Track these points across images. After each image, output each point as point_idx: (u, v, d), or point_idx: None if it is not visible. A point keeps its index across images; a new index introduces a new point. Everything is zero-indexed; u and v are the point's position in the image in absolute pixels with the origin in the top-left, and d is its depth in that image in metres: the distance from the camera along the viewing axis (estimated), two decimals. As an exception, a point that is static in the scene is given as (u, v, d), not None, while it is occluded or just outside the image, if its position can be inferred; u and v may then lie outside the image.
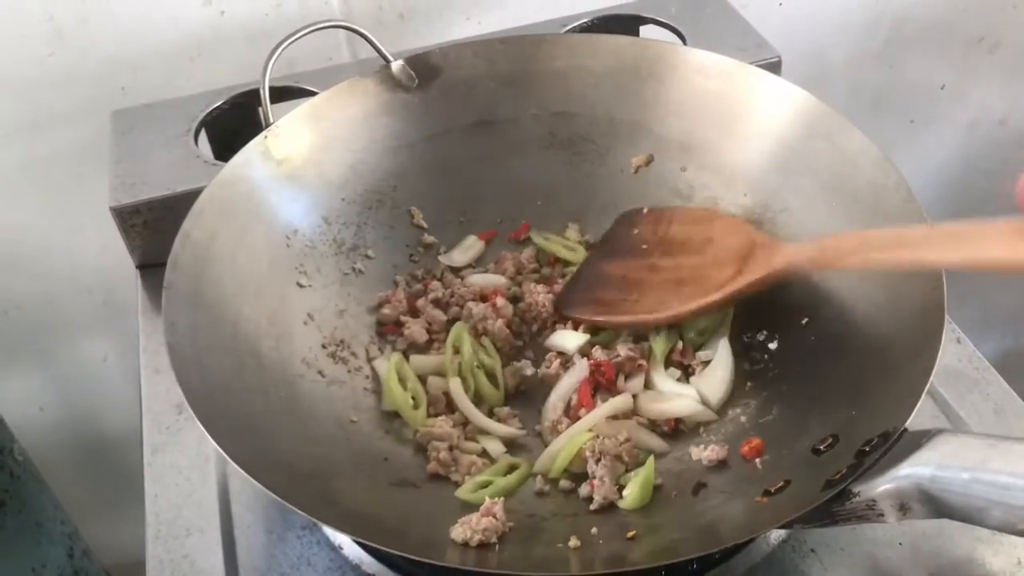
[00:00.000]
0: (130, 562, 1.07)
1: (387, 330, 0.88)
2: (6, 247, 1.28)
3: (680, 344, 0.83)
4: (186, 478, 0.83)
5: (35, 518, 1.21)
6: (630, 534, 0.67)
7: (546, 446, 0.78)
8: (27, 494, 1.21)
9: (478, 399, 0.83)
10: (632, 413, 0.80)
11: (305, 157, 0.88)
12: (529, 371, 0.84)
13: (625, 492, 0.72)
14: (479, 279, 0.92)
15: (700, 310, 0.81)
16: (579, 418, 0.78)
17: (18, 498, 1.19)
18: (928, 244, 0.65)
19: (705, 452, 0.75)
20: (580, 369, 0.81)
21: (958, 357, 0.88)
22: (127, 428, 1.49)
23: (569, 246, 0.94)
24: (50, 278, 1.33)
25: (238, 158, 0.84)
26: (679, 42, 1.11)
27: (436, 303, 0.89)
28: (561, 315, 0.88)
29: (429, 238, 0.94)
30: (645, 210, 0.92)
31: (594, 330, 0.85)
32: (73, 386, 1.46)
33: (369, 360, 0.85)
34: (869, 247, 0.69)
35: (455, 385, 0.82)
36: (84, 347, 1.42)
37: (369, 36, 0.91)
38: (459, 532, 0.67)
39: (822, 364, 0.76)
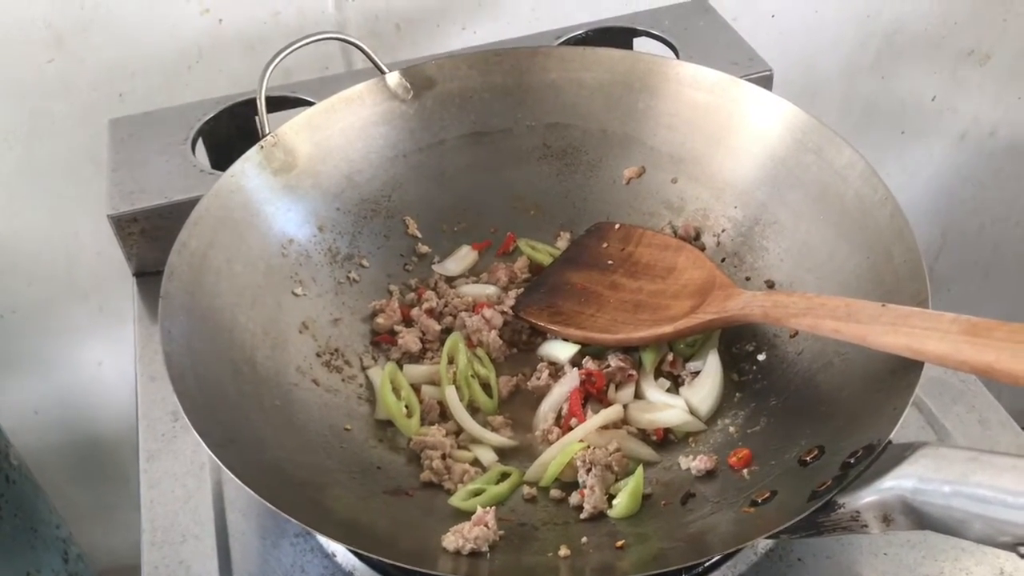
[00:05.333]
0: (125, 567, 1.08)
1: (381, 339, 0.89)
2: (3, 252, 1.29)
3: (670, 355, 0.84)
4: (181, 485, 0.84)
5: (30, 523, 1.22)
6: (619, 543, 0.68)
7: (537, 455, 0.79)
8: (22, 499, 1.22)
9: (472, 408, 0.83)
10: (622, 423, 0.81)
11: (301, 167, 0.89)
12: (521, 380, 0.86)
13: (615, 501, 0.73)
14: (472, 289, 0.93)
15: (650, 339, 0.83)
16: (570, 427, 0.79)
17: (13, 503, 1.20)
18: (876, 324, 0.66)
19: (694, 462, 0.76)
20: (571, 379, 0.82)
21: (943, 369, 0.89)
22: (122, 433, 1.51)
23: (556, 255, 0.95)
24: (47, 283, 1.33)
25: (235, 168, 0.85)
26: (672, 55, 1.12)
27: (430, 313, 0.90)
28: (515, 315, 0.89)
29: (423, 248, 0.95)
30: (617, 225, 0.93)
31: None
32: (69, 391, 1.47)
33: (363, 369, 0.86)
34: (821, 313, 0.70)
35: (451, 394, 0.82)
36: (80, 353, 1.43)
37: (365, 48, 0.92)
38: (451, 541, 0.67)
39: (809, 376, 0.77)
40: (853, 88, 1.56)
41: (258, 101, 0.86)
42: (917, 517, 0.58)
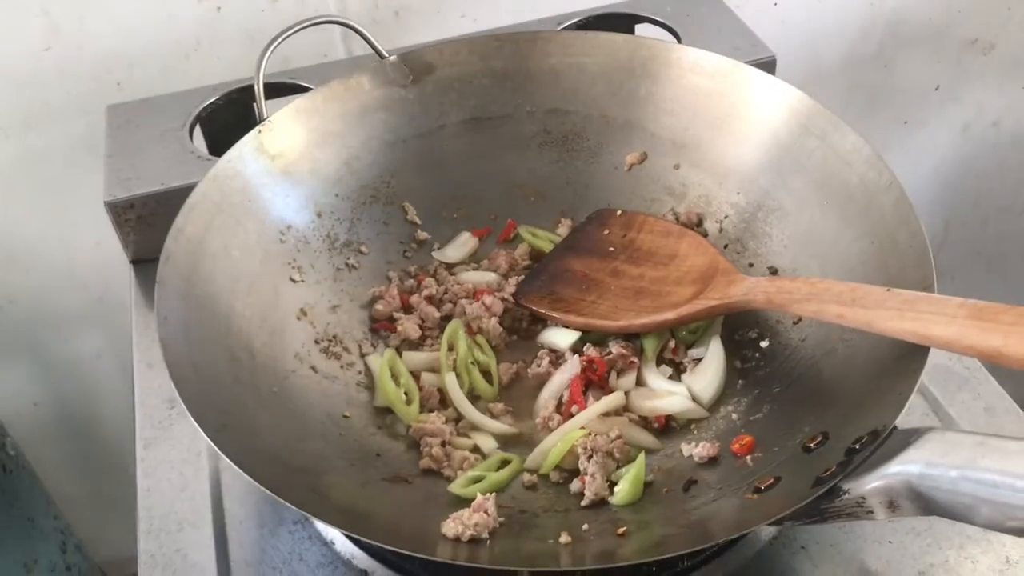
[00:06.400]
0: (122, 557, 1.08)
1: (380, 326, 0.88)
2: (1, 242, 1.28)
3: (672, 342, 0.84)
4: (179, 472, 0.83)
5: (27, 513, 1.22)
6: (621, 530, 0.68)
7: (538, 442, 0.78)
8: (20, 489, 1.21)
9: (472, 396, 0.83)
10: (623, 410, 0.80)
11: (299, 152, 0.88)
12: (521, 368, 0.85)
13: (616, 488, 0.73)
14: (472, 276, 0.92)
15: (652, 326, 0.82)
16: (571, 415, 0.79)
17: (10, 493, 1.19)
18: (881, 309, 0.65)
19: (696, 449, 0.75)
20: (572, 366, 0.81)
21: (948, 356, 0.88)
22: (120, 423, 1.50)
23: (557, 242, 0.94)
24: (44, 273, 1.33)
25: (232, 153, 0.84)
26: (674, 41, 1.12)
27: (429, 300, 0.90)
28: (516, 302, 0.88)
29: (423, 234, 0.95)
30: (619, 212, 0.92)
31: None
32: (67, 381, 1.46)
33: (362, 356, 0.86)
34: (826, 298, 0.69)
35: (450, 380, 0.82)
36: (78, 342, 1.42)
37: (364, 32, 0.91)
38: (451, 527, 0.67)
39: (813, 363, 0.76)
40: (856, 77, 1.55)
41: (256, 86, 0.86)
42: (923, 502, 0.57)
